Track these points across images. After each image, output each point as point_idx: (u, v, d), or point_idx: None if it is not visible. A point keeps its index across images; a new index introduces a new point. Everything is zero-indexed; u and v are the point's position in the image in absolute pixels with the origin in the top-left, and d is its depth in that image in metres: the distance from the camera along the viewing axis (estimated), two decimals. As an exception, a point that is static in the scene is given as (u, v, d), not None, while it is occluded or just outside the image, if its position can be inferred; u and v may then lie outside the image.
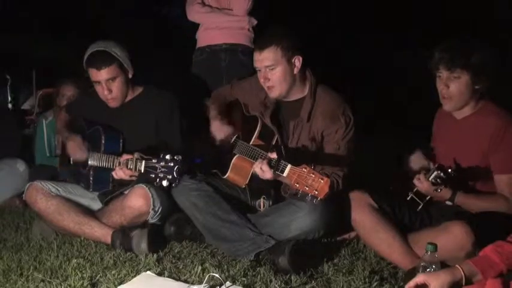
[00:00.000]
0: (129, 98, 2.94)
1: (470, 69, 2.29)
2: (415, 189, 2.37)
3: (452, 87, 2.34)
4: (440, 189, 2.26)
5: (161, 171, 2.41)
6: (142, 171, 2.49)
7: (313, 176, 2.09)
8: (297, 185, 2.14)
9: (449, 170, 2.24)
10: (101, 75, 2.79)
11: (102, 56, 2.79)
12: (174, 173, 2.39)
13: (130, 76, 2.89)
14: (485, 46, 2.36)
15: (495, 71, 2.33)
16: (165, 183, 2.40)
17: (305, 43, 2.66)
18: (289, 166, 2.22)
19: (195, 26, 3.62)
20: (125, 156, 2.60)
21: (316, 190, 2.08)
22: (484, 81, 2.32)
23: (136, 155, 2.55)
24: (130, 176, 2.59)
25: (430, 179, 2.25)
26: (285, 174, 2.24)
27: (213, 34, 3.52)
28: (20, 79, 5.05)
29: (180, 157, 2.41)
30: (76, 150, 2.83)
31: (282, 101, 2.71)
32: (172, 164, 2.40)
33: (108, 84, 2.81)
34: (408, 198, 2.39)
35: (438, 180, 2.22)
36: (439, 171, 2.23)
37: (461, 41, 2.38)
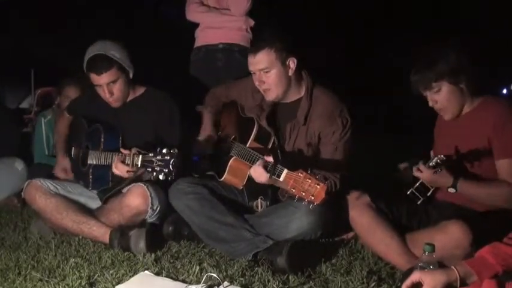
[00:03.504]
0: (130, 98, 2.95)
1: (443, 77, 2.33)
2: (417, 184, 2.37)
3: (440, 100, 2.39)
4: (441, 169, 2.26)
5: (157, 165, 2.39)
6: (139, 165, 2.48)
7: (310, 181, 2.09)
8: (294, 190, 2.13)
9: (450, 155, 2.25)
10: (101, 79, 2.79)
11: (101, 60, 2.78)
12: (170, 166, 2.36)
13: (131, 76, 2.89)
14: (449, 48, 2.37)
15: (470, 65, 2.35)
16: (161, 176, 2.38)
17: (299, 44, 2.67)
18: (285, 171, 2.21)
19: (196, 26, 3.63)
20: (122, 152, 2.60)
21: (312, 195, 2.08)
22: (465, 78, 2.35)
23: (133, 150, 2.55)
24: (128, 172, 2.59)
25: (430, 164, 2.26)
26: (281, 179, 2.22)
27: (210, 34, 3.54)
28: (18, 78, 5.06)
29: (176, 150, 2.39)
30: (62, 173, 2.99)
31: (278, 103, 2.71)
32: (168, 158, 2.38)
33: (110, 87, 2.81)
34: (408, 193, 2.39)
35: (439, 161, 2.25)
36: (440, 155, 2.26)
37: (425, 54, 2.41)
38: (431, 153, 2.69)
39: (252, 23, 3.51)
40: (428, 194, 2.39)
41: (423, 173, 2.31)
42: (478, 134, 2.38)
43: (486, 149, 2.36)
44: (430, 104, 2.42)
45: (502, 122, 2.32)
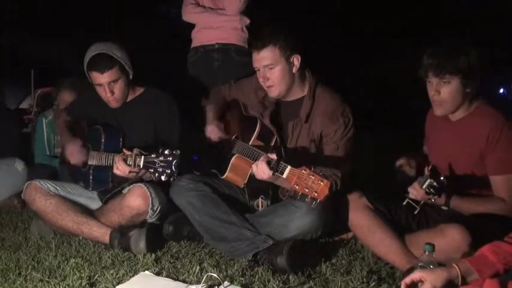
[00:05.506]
0: (129, 98, 2.95)
1: (460, 74, 2.28)
2: (408, 196, 2.34)
3: (443, 92, 2.34)
4: (434, 199, 2.25)
5: (160, 166, 2.40)
6: (141, 166, 2.49)
7: (313, 178, 2.08)
8: (297, 187, 2.13)
9: (442, 178, 2.21)
10: (103, 78, 2.79)
11: (104, 59, 2.78)
12: (173, 167, 2.38)
13: (130, 77, 2.89)
14: (472, 48, 2.34)
15: (484, 72, 2.33)
16: (163, 177, 2.39)
17: (304, 42, 2.67)
18: (288, 167, 2.21)
19: (193, 26, 3.63)
20: (124, 152, 2.60)
21: (315, 192, 2.07)
22: (475, 83, 2.32)
23: (135, 150, 2.55)
24: (130, 172, 2.59)
25: (423, 187, 2.23)
26: (284, 176, 2.22)
27: (207, 34, 3.54)
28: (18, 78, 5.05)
29: (178, 151, 2.41)
30: (74, 154, 2.85)
31: (281, 101, 2.71)
32: (171, 159, 2.39)
33: (111, 86, 2.81)
34: (404, 203, 2.37)
35: (431, 189, 2.21)
36: (431, 180, 2.21)
37: (448, 45, 2.36)
38: (424, 148, 2.68)
39: (247, 21, 3.51)
40: (422, 203, 2.36)
41: (417, 193, 2.28)
42: (470, 143, 2.37)
43: (478, 162, 2.35)
44: (431, 93, 2.37)
45: (496, 137, 2.30)
